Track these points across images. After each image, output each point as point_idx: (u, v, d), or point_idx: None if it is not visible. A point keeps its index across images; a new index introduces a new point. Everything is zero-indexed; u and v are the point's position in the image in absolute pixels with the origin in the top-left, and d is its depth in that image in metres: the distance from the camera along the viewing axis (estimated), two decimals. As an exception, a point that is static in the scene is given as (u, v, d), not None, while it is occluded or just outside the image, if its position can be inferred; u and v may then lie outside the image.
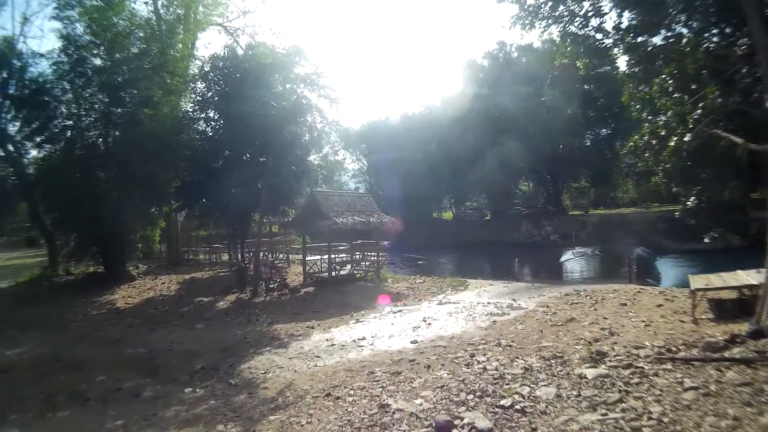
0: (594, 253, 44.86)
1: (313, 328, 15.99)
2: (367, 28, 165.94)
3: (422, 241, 53.74)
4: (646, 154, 22.89)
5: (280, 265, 30.89)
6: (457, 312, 16.77)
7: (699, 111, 15.35)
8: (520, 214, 60.54)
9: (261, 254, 27.20)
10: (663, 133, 18.37)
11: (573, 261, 40.97)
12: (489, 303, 18.08)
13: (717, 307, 12.33)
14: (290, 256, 34.05)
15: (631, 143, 25.40)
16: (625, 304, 15.21)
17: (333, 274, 25.41)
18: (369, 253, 28.00)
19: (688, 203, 18.87)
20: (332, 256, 26.23)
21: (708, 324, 11.25)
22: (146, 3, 30.49)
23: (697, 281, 13.99)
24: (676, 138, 16.46)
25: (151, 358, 13.42)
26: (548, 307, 16.26)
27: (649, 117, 19.96)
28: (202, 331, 17.09)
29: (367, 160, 77.04)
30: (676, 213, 20.19)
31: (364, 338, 13.84)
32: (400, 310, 18.00)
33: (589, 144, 61.88)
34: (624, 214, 58.81)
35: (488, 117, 54.10)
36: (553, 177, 62.38)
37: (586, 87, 57.75)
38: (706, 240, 20.83)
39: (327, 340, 14.08)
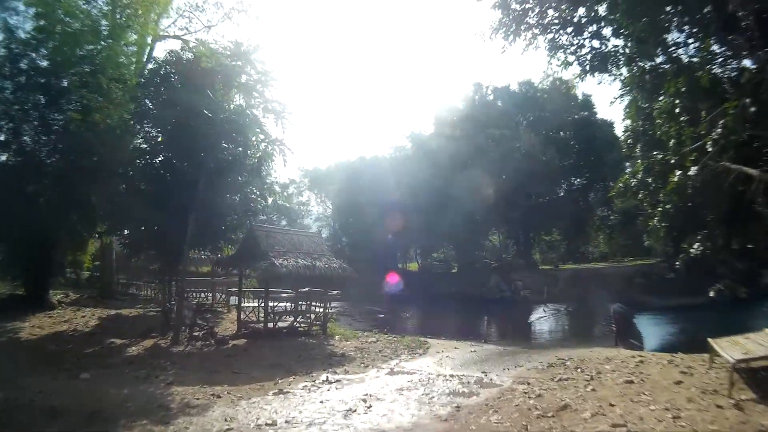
0: (568, 310, 41.08)
1: (219, 397, 11.73)
2: (343, 65, 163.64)
3: (386, 293, 50.37)
4: (640, 195, 20.10)
5: (217, 309, 27.24)
6: (410, 388, 12.70)
7: (718, 131, 12.38)
8: (488, 268, 56.60)
9: (187, 295, 23.35)
10: (658, 170, 16.59)
11: (546, 319, 37.07)
12: (453, 376, 14.13)
13: (755, 381, 9.86)
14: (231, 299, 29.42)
15: (621, 183, 22.52)
16: (632, 381, 11.52)
17: (270, 325, 21.12)
18: (315, 304, 23.67)
19: (692, 250, 15.58)
20: (273, 304, 22.21)
21: (755, 408, 8.73)
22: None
23: (727, 347, 10.88)
24: (679, 173, 13.94)
25: (-1, 411, 9.69)
26: (529, 384, 12.39)
27: (641, 153, 18.37)
28: (85, 382, 12.93)
29: (332, 203, 72.65)
30: (677, 263, 16.95)
31: (273, 423, 9.63)
32: (338, 380, 13.77)
33: (562, 194, 58.99)
34: (597, 268, 55.51)
35: (460, 162, 50.76)
36: (525, 228, 58.98)
37: (561, 134, 55.97)
38: (711, 293, 17.47)
39: (226, 420, 9.84)
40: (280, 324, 21.56)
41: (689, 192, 14.00)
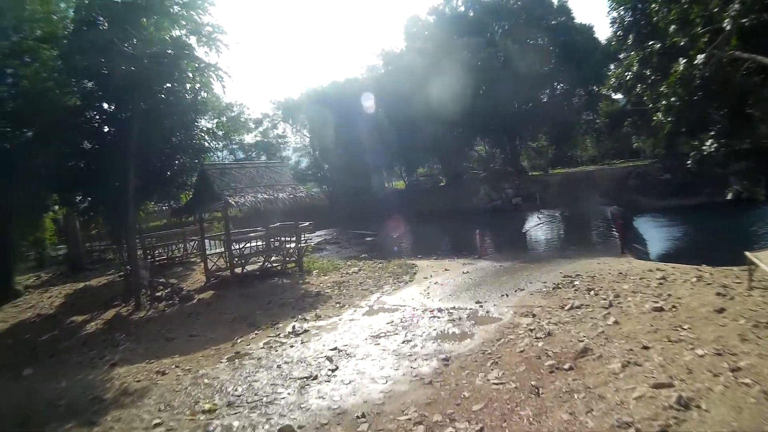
0: (563, 215, 38.74)
1: (164, 374, 9.46)
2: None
3: (373, 214, 47.59)
4: (637, 89, 17.67)
5: (190, 260, 24.92)
6: (388, 334, 10.32)
7: (735, 7, 10.35)
8: (477, 178, 53.95)
9: (147, 253, 21.66)
10: (657, 61, 15.46)
11: (541, 226, 34.62)
12: (441, 310, 11.79)
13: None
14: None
15: (613, 78, 19.97)
16: (662, 309, 9.19)
17: (238, 270, 18.71)
18: (287, 239, 21.44)
19: (704, 147, 13.19)
20: (240, 246, 19.74)
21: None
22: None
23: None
24: (684, 61, 12.28)
25: None
26: (534, 317, 10.12)
27: (634, 45, 17.18)
28: (26, 380, 10.67)
29: (310, 132, 68.78)
30: (688, 162, 14.43)
31: (212, 410, 7.37)
32: (306, 330, 11.45)
33: (546, 100, 55.50)
34: (588, 171, 52.68)
35: (436, 75, 47.14)
36: (511, 136, 55.86)
37: (540, 41, 52.11)
38: (729, 195, 15.22)
39: (160, 409, 7.66)
40: (249, 267, 19.26)
41: (697, 83, 12.52)
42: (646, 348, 7.22)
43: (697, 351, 6.84)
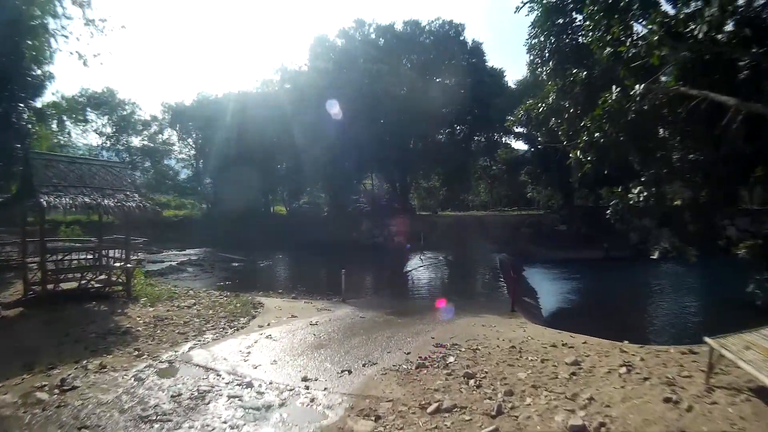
0: (447, 258, 35.33)
1: None
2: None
3: (251, 237, 43.77)
4: (551, 123, 14.80)
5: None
6: (162, 417, 6.74)
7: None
8: (360, 212, 50.33)
9: None
10: (579, 91, 13.13)
11: (422, 268, 31.09)
12: (251, 386, 7.98)
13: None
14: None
15: (523, 111, 17.03)
16: (584, 429, 5.30)
17: (50, 287, 14.73)
18: (114, 255, 17.41)
19: (631, 195, 11.25)
20: (55, 257, 15.93)
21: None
22: None
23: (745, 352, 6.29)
24: (617, 90, 10.04)
25: None
26: (378, 421, 6.43)
27: (553, 73, 14.44)
28: None
29: (195, 142, 64.20)
30: (607, 212, 11.37)
31: None
32: (73, 387, 7.85)
33: (444, 140, 52.78)
34: (479, 216, 50.42)
35: (337, 97, 43.71)
36: (402, 172, 52.42)
37: (447, 81, 49.64)
38: (655, 255, 12.02)
39: None
40: (67, 285, 15.43)
41: (630, 118, 10.14)
42: None
43: None
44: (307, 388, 7.81)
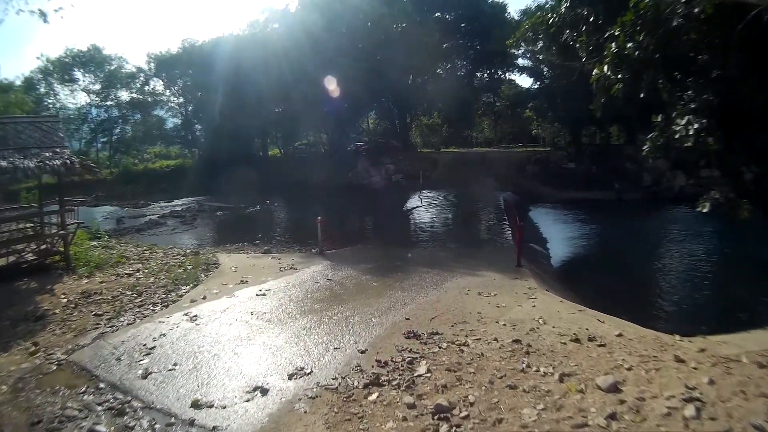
0: (447, 198, 32.16)
1: None
2: None
3: (244, 183, 40.38)
4: (565, 36, 11.58)
5: None
6: None
7: None
8: (357, 151, 47.04)
9: None
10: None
11: (420, 209, 28.04)
12: (120, 417, 5.40)
13: None
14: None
15: (528, 25, 13.82)
16: None
17: None
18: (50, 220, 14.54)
19: (677, 127, 7.80)
20: None
21: None
22: None
23: None
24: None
25: None
26: None
27: None
28: None
29: (183, 90, 59.42)
30: (644, 148, 8.03)
31: None
32: None
33: (444, 76, 48.83)
34: (483, 152, 47.13)
35: (329, 36, 40.96)
36: (401, 109, 49.52)
37: (447, 16, 46.21)
38: (704, 208, 8.37)
39: None
40: None
41: (676, 23, 7.23)
42: None
43: None
44: (191, 423, 4.99)
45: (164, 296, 10.35)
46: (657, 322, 9.60)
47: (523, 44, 15.80)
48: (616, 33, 7.74)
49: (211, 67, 48.77)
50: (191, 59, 53.66)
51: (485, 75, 49.93)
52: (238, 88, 46.35)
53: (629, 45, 7.57)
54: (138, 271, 12.88)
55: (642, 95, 8.43)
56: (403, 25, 43.49)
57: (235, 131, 47.43)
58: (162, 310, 9.40)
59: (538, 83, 46.03)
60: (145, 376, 6.29)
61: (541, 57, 37.84)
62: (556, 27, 11.76)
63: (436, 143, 59.98)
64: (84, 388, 6.13)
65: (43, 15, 12.95)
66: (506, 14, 46.54)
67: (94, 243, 16.65)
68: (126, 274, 12.53)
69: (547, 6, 12.94)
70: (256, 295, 9.78)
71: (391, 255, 14.21)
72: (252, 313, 8.53)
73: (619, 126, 40.91)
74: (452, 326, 7.23)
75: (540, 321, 7.35)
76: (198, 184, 42.28)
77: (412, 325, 7.35)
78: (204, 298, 9.80)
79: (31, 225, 14.76)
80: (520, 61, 47.27)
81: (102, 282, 11.78)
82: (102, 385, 6.20)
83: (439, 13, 46.20)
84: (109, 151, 59.39)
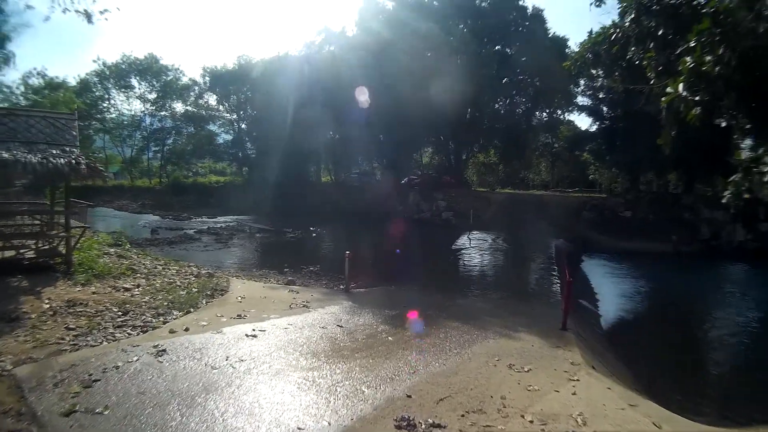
0: (497, 241, 30.16)
1: None
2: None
3: (294, 207, 40.38)
4: (631, 52, 9.87)
5: None
6: None
7: None
8: (410, 184, 45.27)
9: None
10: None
11: (468, 250, 26.26)
12: None
13: None
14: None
15: (590, 44, 12.08)
16: None
17: None
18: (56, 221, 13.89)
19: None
20: None
21: None
22: None
23: None
24: None
25: None
26: None
27: None
28: None
29: (236, 106, 59.95)
30: (725, 194, 5.85)
31: None
32: None
33: (503, 112, 47.39)
34: (538, 195, 45.48)
35: (386, 63, 40.17)
36: (457, 144, 48.47)
37: (507, 50, 45.28)
38: None
39: None
40: None
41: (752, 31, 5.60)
42: None
43: None
44: None
45: (150, 320, 9.13)
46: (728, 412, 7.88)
47: (582, 71, 13.86)
48: (692, 44, 6.02)
49: (266, 85, 48.91)
50: (246, 76, 53.56)
51: (544, 114, 48.56)
52: (292, 109, 45.44)
53: (707, 59, 5.83)
54: (138, 286, 11.77)
55: (723, 124, 6.65)
56: (459, 57, 42.18)
57: (287, 153, 46.61)
58: (138, 335, 8.16)
59: (597, 123, 44.51)
60: (67, 414, 5.22)
61: (601, 83, 36.31)
62: (620, 44, 10.03)
63: (492, 182, 58.33)
64: (5, 409, 5.25)
65: (88, 16, 12.31)
66: (567, 49, 44.16)
67: (111, 250, 15.72)
68: (124, 288, 11.48)
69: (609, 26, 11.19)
70: (246, 335, 8.17)
71: (424, 301, 12.33)
72: (227, 359, 6.92)
73: (678, 172, 38.34)
74: (462, 416, 5.36)
75: (579, 421, 5.42)
76: (246, 203, 42.11)
77: (412, 407, 5.52)
78: (186, 330, 8.30)
79: (38, 222, 13.98)
80: (580, 100, 45.91)
81: (94, 293, 10.79)
82: (23, 411, 5.28)
83: (499, 46, 45.34)
84: (160, 161, 60.30)
